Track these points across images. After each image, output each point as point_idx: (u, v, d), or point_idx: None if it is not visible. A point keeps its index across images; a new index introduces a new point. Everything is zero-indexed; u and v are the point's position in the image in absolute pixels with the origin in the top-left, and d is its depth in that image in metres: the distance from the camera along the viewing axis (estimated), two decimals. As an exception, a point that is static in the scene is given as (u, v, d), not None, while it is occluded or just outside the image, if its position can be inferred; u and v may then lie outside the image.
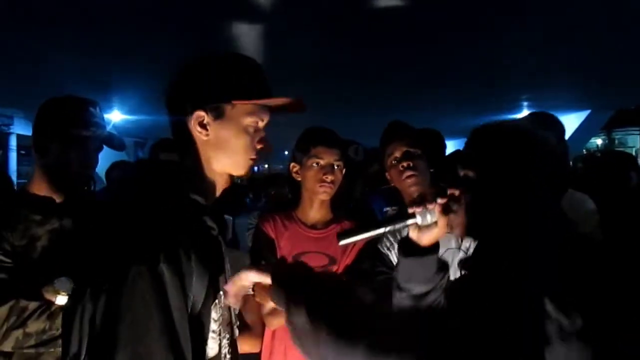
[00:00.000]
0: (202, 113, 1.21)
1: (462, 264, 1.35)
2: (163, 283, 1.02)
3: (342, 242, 1.28)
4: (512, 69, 7.21)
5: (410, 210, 1.28)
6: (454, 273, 1.72)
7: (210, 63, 1.25)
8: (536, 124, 2.23)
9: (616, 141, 20.93)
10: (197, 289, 1.11)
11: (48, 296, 1.67)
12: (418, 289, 1.33)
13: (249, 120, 1.24)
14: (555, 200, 1.20)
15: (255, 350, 2.11)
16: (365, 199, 2.94)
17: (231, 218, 1.93)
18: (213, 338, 1.21)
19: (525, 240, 1.12)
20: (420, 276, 1.33)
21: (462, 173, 1.27)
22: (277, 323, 2.05)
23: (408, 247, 1.33)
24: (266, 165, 21.11)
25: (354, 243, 2.05)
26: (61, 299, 1.64)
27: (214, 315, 1.20)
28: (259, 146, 1.27)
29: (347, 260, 2.08)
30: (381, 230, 1.28)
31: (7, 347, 1.64)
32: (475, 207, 1.23)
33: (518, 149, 1.19)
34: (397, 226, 1.29)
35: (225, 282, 1.28)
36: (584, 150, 15.40)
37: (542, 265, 1.05)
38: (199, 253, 1.11)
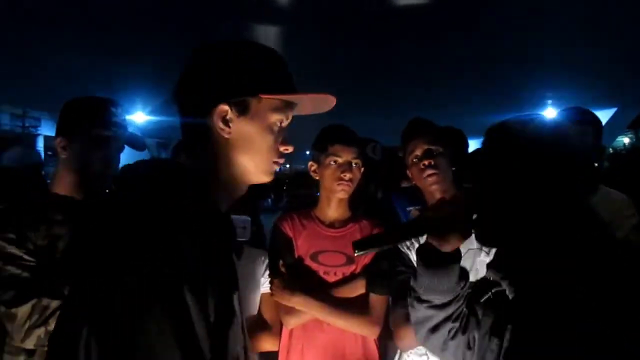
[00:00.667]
0: (225, 107, 1.07)
1: (488, 266, 1.28)
2: (186, 308, 0.87)
3: (359, 254, 1.23)
4: (537, 66, 7.11)
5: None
6: (475, 274, 1.67)
7: (232, 51, 1.11)
8: (567, 119, 2.19)
9: (644, 139, 20.54)
10: (216, 312, 0.95)
11: (70, 295, 1.69)
12: (440, 299, 1.27)
13: (275, 118, 1.12)
14: (579, 196, 1.13)
15: (274, 349, 2.11)
16: (387, 198, 2.92)
17: (249, 219, 1.92)
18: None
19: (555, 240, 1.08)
20: (443, 286, 1.26)
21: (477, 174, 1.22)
22: (294, 322, 2.05)
23: (428, 256, 1.25)
24: (288, 165, 21.15)
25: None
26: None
27: (230, 340, 1.04)
28: (282, 148, 1.15)
29: (366, 259, 2.07)
30: (403, 241, 1.22)
31: (30, 344, 1.66)
32: (492, 209, 1.17)
33: (529, 148, 1.14)
34: (419, 236, 1.24)
35: (239, 301, 1.10)
36: (610, 149, 15.14)
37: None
38: (216, 272, 0.98)
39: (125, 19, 4.97)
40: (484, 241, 1.22)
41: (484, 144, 1.24)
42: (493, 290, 1.23)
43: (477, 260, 1.82)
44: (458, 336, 1.29)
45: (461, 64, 7.06)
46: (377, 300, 2.02)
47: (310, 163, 2.18)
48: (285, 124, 1.15)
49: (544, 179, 1.11)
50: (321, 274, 2.08)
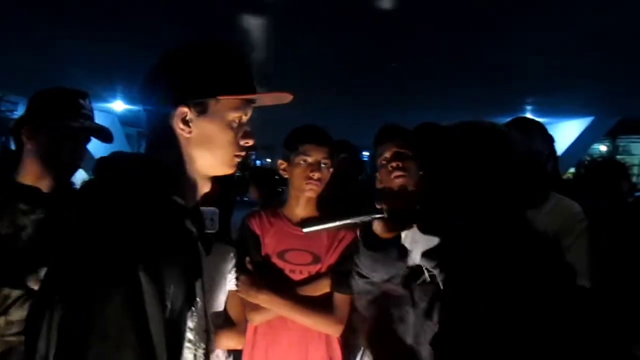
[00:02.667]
0: (185, 109, 1.13)
1: (423, 254, 1.38)
2: (141, 292, 0.94)
3: (306, 230, 1.30)
4: (518, 73, 7.20)
5: (378, 206, 1.29)
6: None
7: (192, 54, 1.17)
8: (513, 128, 2.24)
9: (620, 148, 20.85)
10: (175, 298, 1.03)
11: (32, 285, 1.69)
12: (379, 277, 1.40)
13: (233, 115, 1.17)
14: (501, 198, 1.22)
15: (240, 347, 2.13)
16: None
17: (217, 210, 1.93)
18: (189, 348, 1.14)
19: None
20: (381, 267, 1.39)
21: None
22: (259, 319, 2.06)
23: (371, 240, 1.37)
24: (269, 160, 21.15)
25: (339, 241, 2.09)
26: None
27: (190, 324, 1.13)
28: (243, 141, 1.21)
29: (332, 259, 2.10)
30: (347, 222, 1.30)
31: (-11, 333, 1.66)
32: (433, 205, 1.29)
33: (458, 149, 1.23)
34: (364, 219, 1.31)
35: (202, 289, 1.19)
36: (587, 157, 15.38)
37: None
38: (178, 259, 1.05)
39: (106, 4, 4.92)
40: (423, 231, 1.32)
41: (437, 141, 1.32)
42: (428, 275, 1.37)
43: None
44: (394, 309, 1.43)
45: (443, 69, 7.11)
46: (341, 300, 2.05)
47: (280, 161, 2.19)
48: (244, 119, 1.21)
49: (482, 182, 1.18)
50: (287, 272, 2.10)
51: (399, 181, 2.05)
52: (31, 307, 1.07)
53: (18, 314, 1.69)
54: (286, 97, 1.23)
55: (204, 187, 1.23)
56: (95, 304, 0.92)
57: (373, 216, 1.31)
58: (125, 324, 0.92)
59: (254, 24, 5.23)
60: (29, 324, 1.02)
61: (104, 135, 1.92)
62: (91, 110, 1.91)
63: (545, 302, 1.11)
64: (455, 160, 1.23)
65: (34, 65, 7.29)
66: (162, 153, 1.17)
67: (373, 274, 1.39)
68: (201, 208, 1.29)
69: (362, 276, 1.42)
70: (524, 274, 1.10)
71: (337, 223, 1.31)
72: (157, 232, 1.02)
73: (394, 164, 2.07)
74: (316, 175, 2.07)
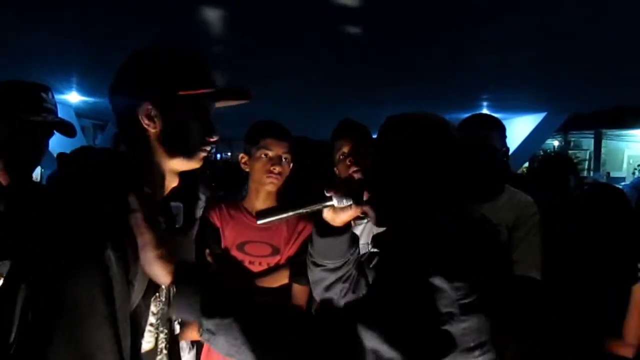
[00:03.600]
0: (149, 106, 1.18)
1: (373, 240, 1.45)
2: (108, 269, 1.01)
3: (261, 222, 1.34)
4: (473, 69, 7.33)
5: (327, 194, 1.34)
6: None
7: (155, 55, 1.23)
8: (472, 123, 2.33)
9: (572, 143, 21.49)
10: (140, 280, 1.11)
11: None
12: (332, 264, 1.43)
13: (196, 111, 1.22)
14: (457, 189, 1.26)
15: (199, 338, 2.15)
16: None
17: (181, 205, 1.97)
18: (150, 331, 1.20)
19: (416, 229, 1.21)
20: (334, 253, 1.42)
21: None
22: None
23: (323, 227, 1.41)
24: (229, 154, 20.95)
25: (298, 233, 2.15)
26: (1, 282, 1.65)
27: (153, 308, 1.20)
28: (207, 137, 1.25)
29: (291, 251, 2.15)
30: (300, 211, 1.35)
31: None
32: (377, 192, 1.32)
33: (415, 139, 1.27)
34: (315, 208, 1.35)
35: None
36: (541, 151, 15.81)
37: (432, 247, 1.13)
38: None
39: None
40: (375, 221, 1.36)
41: (379, 132, 1.37)
42: (377, 258, 1.42)
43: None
44: (349, 295, 1.46)
45: (399, 66, 7.19)
46: (300, 290, 2.11)
47: (241, 155, 2.24)
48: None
49: (432, 173, 1.24)
50: (247, 263, 2.14)
51: (356, 176, 2.13)
52: (5, 280, 1.10)
53: None
54: (246, 96, 1.27)
55: (172, 182, 1.28)
56: (66, 278, 0.98)
57: (324, 204, 1.34)
58: (95, 294, 0.98)
59: (211, 17, 5.20)
60: (2, 295, 1.05)
61: (67, 129, 1.92)
62: (54, 105, 1.91)
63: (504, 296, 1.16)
64: (415, 149, 1.26)
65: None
66: (131, 147, 1.23)
67: (327, 261, 1.43)
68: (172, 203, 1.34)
69: (316, 265, 1.46)
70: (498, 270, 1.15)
71: (290, 213, 1.35)
72: (124, 218, 1.09)
73: (351, 159, 2.15)
74: (277, 169, 2.13)
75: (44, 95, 1.88)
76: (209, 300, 1.13)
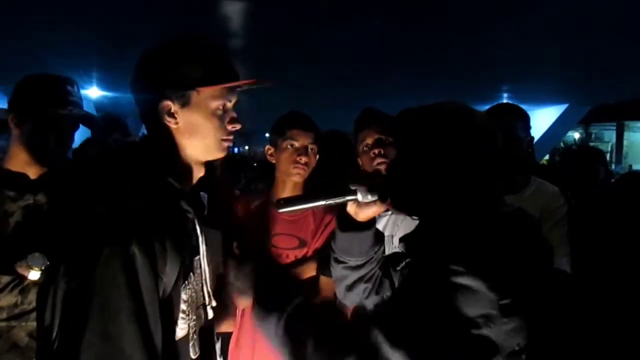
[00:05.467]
0: (169, 102, 1.21)
1: (401, 241, 1.38)
2: (134, 264, 1.03)
3: (281, 211, 1.30)
4: (495, 60, 7.25)
5: (352, 187, 1.30)
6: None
7: (173, 49, 1.23)
8: (495, 114, 2.27)
9: (593, 135, 21.25)
10: (169, 271, 1.12)
11: (21, 271, 1.69)
12: (354, 261, 1.38)
13: (216, 104, 1.24)
14: (484, 181, 1.20)
15: (230, 329, 2.15)
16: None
17: (205, 194, 1.97)
18: (183, 319, 1.22)
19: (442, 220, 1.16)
20: (356, 250, 1.36)
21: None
22: (245, 302, 2.09)
23: (346, 222, 1.35)
24: (247, 147, 21.06)
25: (325, 226, 2.13)
26: (34, 274, 1.66)
27: (184, 296, 1.21)
28: (229, 126, 1.27)
29: (318, 243, 2.13)
30: (321, 203, 1.30)
31: (-21, 319, 1.67)
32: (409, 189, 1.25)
33: (437, 131, 1.21)
34: (338, 200, 1.30)
35: (200, 264, 1.30)
36: (562, 144, 15.63)
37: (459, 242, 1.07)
38: (172, 235, 1.13)
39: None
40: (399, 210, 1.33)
41: (401, 125, 1.34)
42: (406, 261, 1.34)
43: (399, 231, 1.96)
44: (372, 296, 1.41)
45: (419, 58, 7.14)
46: (327, 283, 2.08)
47: (267, 147, 2.23)
48: (229, 105, 1.27)
49: (464, 165, 1.18)
50: (274, 256, 2.13)
51: (381, 168, 2.08)
52: (40, 285, 1.15)
53: (7, 299, 1.69)
54: (267, 82, 1.29)
55: (199, 172, 1.31)
56: (93, 277, 1.01)
57: (347, 198, 1.29)
58: (121, 292, 1.02)
59: (231, 10, 5.19)
60: (39, 300, 1.10)
61: (92, 122, 1.93)
62: (79, 98, 1.91)
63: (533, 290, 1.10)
64: (436, 141, 1.21)
65: (9, 52, 7.14)
66: (156, 141, 1.25)
67: (349, 257, 1.37)
68: None
69: (339, 262, 1.40)
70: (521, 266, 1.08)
71: (312, 204, 1.31)
72: (150, 211, 1.10)
73: (375, 151, 2.09)
74: (303, 159, 2.11)
75: (69, 88, 1.89)
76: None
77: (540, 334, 1.07)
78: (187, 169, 1.28)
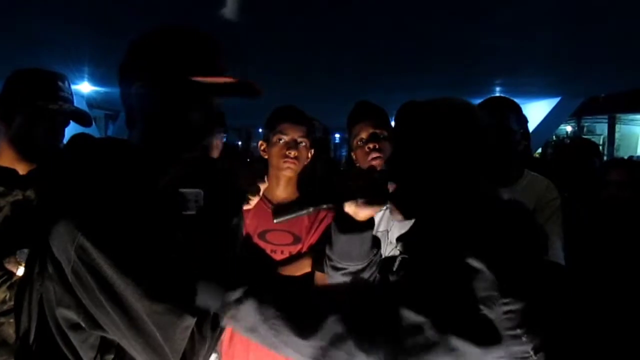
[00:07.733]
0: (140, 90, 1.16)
1: (397, 239, 1.34)
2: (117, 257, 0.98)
3: (277, 220, 1.27)
4: (487, 53, 7.25)
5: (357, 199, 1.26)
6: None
7: (160, 39, 1.18)
8: (487, 107, 2.26)
9: (585, 128, 21.32)
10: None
11: (9, 267, 1.68)
12: (354, 266, 1.32)
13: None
14: (482, 175, 1.19)
15: None
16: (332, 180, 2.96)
17: (201, 192, 1.94)
18: None
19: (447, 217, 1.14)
20: (357, 252, 1.31)
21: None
22: None
23: (345, 223, 1.29)
24: (239, 142, 20.99)
25: (320, 221, 2.11)
26: (22, 270, 1.64)
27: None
28: (210, 124, 1.22)
29: (312, 239, 2.12)
30: (318, 208, 1.28)
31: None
32: (408, 184, 1.24)
33: (435, 126, 1.20)
34: (320, 208, 1.28)
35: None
36: (554, 137, 15.68)
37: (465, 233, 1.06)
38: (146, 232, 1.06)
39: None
40: (399, 211, 1.27)
41: (399, 119, 1.30)
42: (400, 258, 1.29)
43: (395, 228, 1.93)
44: None
45: (412, 51, 7.12)
46: (323, 278, 2.06)
47: (260, 142, 2.21)
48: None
49: (454, 160, 1.17)
50: (268, 252, 2.11)
51: (376, 162, 2.05)
52: (17, 286, 1.12)
53: None
54: (254, 93, 1.18)
55: (182, 169, 1.25)
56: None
57: (344, 202, 1.26)
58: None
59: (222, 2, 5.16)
60: (16, 302, 1.07)
61: (83, 118, 1.90)
62: (70, 94, 1.89)
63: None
64: (430, 136, 1.19)
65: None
66: (138, 133, 1.20)
67: (348, 263, 1.31)
68: (184, 190, 1.29)
69: (336, 269, 1.34)
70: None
71: (310, 210, 1.28)
72: (127, 209, 1.04)
73: (370, 145, 2.07)
74: (292, 153, 2.09)
75: (60, 83, 1.87)
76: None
77: (541, 321, 1.05)
78: (169, 165, 1.21)
